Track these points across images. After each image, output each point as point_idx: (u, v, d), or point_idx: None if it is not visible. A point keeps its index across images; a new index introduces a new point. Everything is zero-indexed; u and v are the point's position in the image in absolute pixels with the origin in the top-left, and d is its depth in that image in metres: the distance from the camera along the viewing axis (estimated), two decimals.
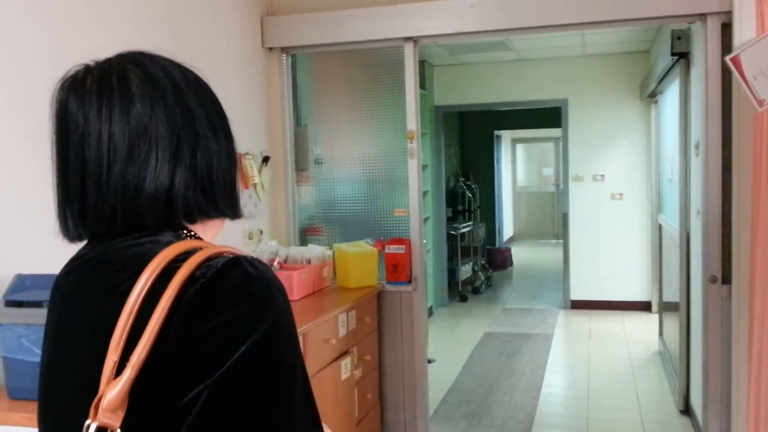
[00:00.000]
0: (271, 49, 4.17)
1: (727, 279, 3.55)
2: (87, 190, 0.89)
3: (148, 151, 0.88)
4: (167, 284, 0.80)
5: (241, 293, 0.83)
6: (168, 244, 0.87)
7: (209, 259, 0.84)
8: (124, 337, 0.80)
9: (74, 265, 0.96)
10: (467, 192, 9.53)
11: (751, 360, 3.20)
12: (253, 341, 0.81)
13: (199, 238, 0.95)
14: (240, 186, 3.78)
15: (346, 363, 3.44)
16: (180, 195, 0.90)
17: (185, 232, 0.94)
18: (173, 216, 0.91)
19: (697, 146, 4.00)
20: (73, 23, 2.65)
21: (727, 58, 2.71)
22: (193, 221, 0.94)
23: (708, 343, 3.64)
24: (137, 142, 0.88)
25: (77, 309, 0.92)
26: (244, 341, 0.80)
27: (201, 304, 0.81)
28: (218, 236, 1.04)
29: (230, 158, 0.98)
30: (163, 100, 0.91)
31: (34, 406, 1.97)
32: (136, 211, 0.89)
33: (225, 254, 0.86)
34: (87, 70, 0.92)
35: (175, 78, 0.93)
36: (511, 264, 11.06)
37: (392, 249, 4.00)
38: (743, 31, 3.29)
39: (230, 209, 0.98)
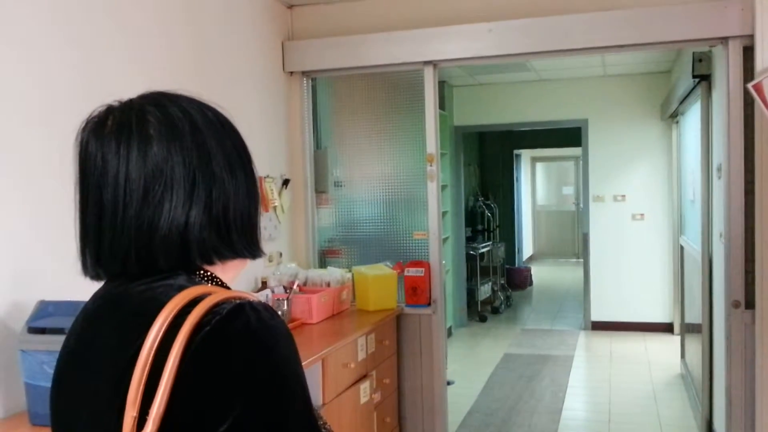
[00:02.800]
0: (291, 73, 4.22)
1: (750, 304, 3.51)
2: (103, 230, 0.90)
3: (162, 193, 0.89)
4: (176, 334, 0.81)
5: (243, 343, 0.82)
6: (180, 288, 0.87)
7: (216, 305, 0.84)
8: (141, 391, 0.80)
9: (91, 305, 0.97)
10: (486, 211, 9.50)
11: None
12: (255, 393, 0.81)
13: (216, 279, 0.95)
14: (261, 212, 3.81)
15: (365, 387, 3.43)
16: (195, 237, 0.91)
17: (202, 273, 0.94)
18: (188, 258, 0.91)
19: (719, 169, 3.96)
20: (97, 47, 2.69)
21: (750, 86, 2.69)
22: (210, 263, 0.94)
23: (731, 368, 3.59)
24: (152, 185, 0.89)
25: (90, 351, 0.93)
26: (246, 393, 0.80)
27: (205, 354, 0.81)
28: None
29: (250, 197, 0.98)
30: (180, 141, 0.91)
31: None
32: (149, 253, 0.90)
33: (232, 300, 0.85)
34: (109, 111, 0.93)
35: (194, 118, 0.94)
36: (531, 283, 10.99)
37: (411, 272, 3.99)
38: (765, 54, 3.27)
39: (248, 250, 0.98)
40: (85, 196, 0.92)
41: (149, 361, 0.80)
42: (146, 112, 0.92)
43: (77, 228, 0.95)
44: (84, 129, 0.93)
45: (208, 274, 0.95)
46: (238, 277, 1.03)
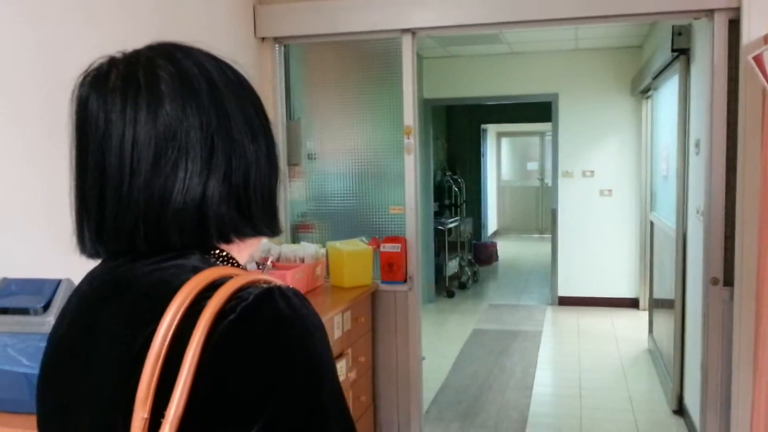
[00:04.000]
0: (263, 39, 4.03)
1: (728, 281, 3.49)
2: (106, 201, 0.78)
3: (176, 159, 0.77)
4: (195, 323, 0.68)
5: (273, 335, 0.70)
6: (195, 269, 0.75)
7: (240, 290, 0.72)
8: (153, 389, 0.68)
9: (87, 287, 0.84)
10: (454, 186, 9.44)
11: (757, 363, 3.15)
12: (289, 392, 0.69)
13: (232, 260, 0.83)
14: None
15: (341, 366, 3.33)
16: (213, 211, 0.78)
17: (217, 252, 0.82)
18: (204, 235, 0.79)
19: (697, 144, 3.93)
20: (52, 11, 2.50)
21: (750, 57, 2.62)
22: (228, 241, 0.82)
23: (708, 345, 3.58)
24: (164, 149, 0.76)
25: (88, 340, 0.79)
26: (279, 393, 0.69)
27: (231, 347, 0.69)
28: None
29: (271, 166, 0.86)
30: (196, 100, 0.79)
31: (19, 420, 1.86)
32: (160, 229, 0.77)
33: (258, 284, 0.74)
34: (112, 63, 0.80)
35: (211, 75, 0.81)
36: (497, 259, 11.01)
37: (387, 247, 3.89)
38: (752, 28, 3.22)
39: (268, 227, 0.86)
40: (84, 161, 0.79)
41: (163, 354, 0.68)
42: (156, 66, 0.79)
43: (72, 199, 0.81)
44: (82, 83, 0.80)
45: (224, 254, 0.82)
46: None
